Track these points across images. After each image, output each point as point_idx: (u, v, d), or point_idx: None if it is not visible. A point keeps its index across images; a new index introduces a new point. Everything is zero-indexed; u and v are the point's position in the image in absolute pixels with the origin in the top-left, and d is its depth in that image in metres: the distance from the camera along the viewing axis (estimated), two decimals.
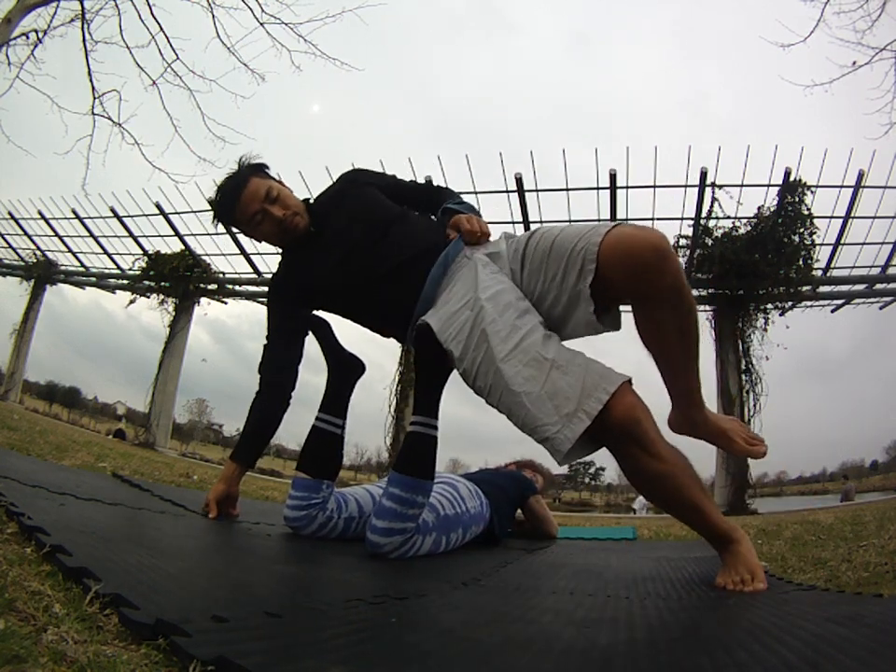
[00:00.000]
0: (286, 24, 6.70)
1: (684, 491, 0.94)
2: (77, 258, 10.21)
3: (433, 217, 1.43)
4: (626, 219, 6.79)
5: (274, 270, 1.47)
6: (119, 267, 9.84)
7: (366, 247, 1.26)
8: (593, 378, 0.94)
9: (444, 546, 1.34)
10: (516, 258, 1.17)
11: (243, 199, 1.31)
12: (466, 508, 1.48)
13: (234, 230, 1.42)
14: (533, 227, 6.89)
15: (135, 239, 9.06)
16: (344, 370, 1.43)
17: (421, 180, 6.88)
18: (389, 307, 1.27)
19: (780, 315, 6.72)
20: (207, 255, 8.89)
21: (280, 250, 1.45)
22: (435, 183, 7.06)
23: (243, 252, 8.26)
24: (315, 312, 1.43)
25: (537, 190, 6.73)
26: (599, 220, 6.75)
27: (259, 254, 8.28)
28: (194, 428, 43.40)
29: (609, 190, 6.48)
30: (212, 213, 1.42)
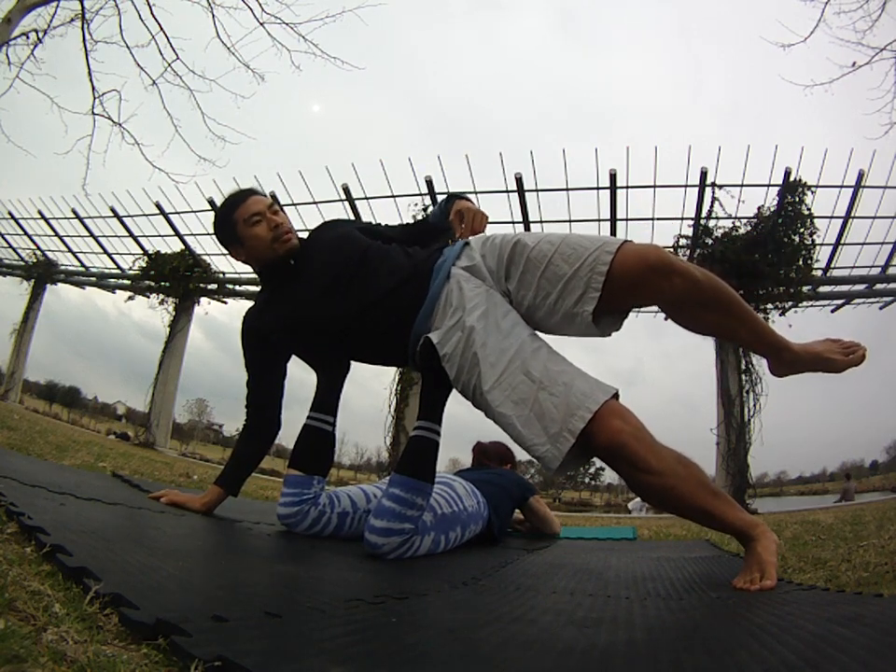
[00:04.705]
0: (286, 24, 6.71)
1: (686, 499, 0.95)
2: (77, 257, 10.22)
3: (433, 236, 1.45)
4: (626, 219, 6.80)
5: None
6: (119, 267, 9.85)
7: (350, 275, 1.25)
8: (577, 397, 0.98)
9: (444, 545, 1.34)
10: (500, 266, 1.16)
11: (249, 200, 1.34)
12: (463, 506, 1.48)
13: (225, 240, 1.39)
14: (533, 227, 6.90)
15: (135, 239, 9.06)
16: (331, 370, 1.44)
17: (421, 180, 6.76)
18: (385, 333, 1.24)
19: (780, 314, 6.71)
20: (207, 255, 8.91)
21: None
22: (435, 183, 7.02)
23: None
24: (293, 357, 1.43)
25: (537, 190, 6.73)
26: (599, 220, 6.77)
27: None
28: (194, 428, 43.43)
29: (609, 190, 6.47)
30: (213, 214, 1.43)
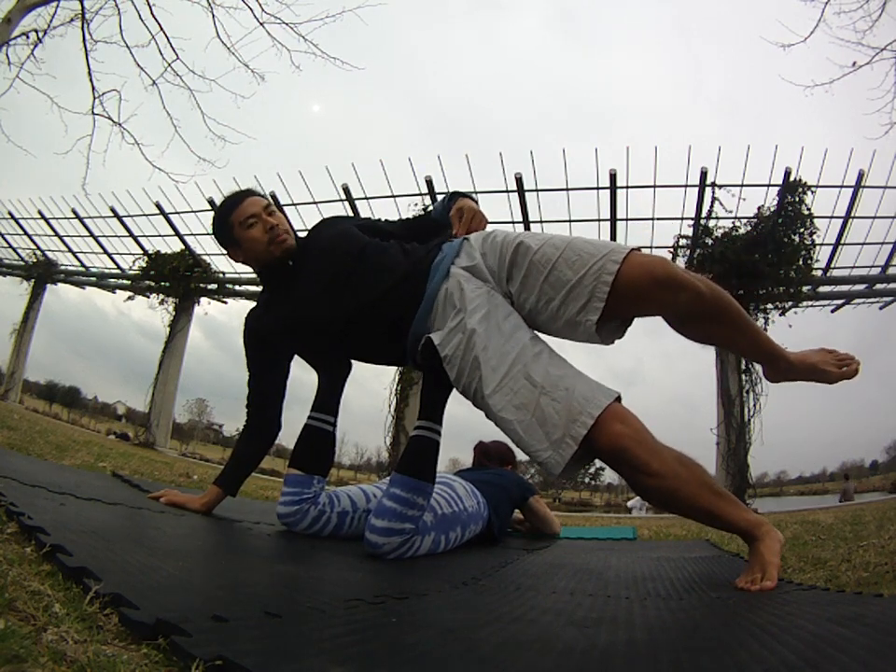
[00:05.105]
0: (286, 24, 6.71)
1: (689, 500, 0.96)
2: (77, 257, 10.22)
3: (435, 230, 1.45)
4: (626, 219, 6.79)
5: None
6: (119, 267, 9.85)
7: (348, 273, 1.24)
8: (578, 402, 0.97)
9: (444, 545, 1.34)
10: (502, 266, 1.14)
11: (245, 202, 1.34)
12: (464, 506, 1.48)
13: (224, 242, 1.40)
14: (533, 227, 6.89)
15: (135, 239, 9.06)
16: (332, 371, 1.45)
17: (421, 180, 6.72)
18: (384, 332, 1.23)
19: (780, 314, 6.72)
20: (207, 255, 8.91)
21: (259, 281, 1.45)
22: (435, 183, 7.00)
23: None
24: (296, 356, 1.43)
25: (537, 190, 6.73)
26: (599, 220, 6.77)
27: None
28: (194, 428, 43.46)
29: (609, 190, 6.47)
30: (212, 216, 1.42)
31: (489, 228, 1.32)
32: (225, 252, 1.41)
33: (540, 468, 0.99)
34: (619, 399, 1.00)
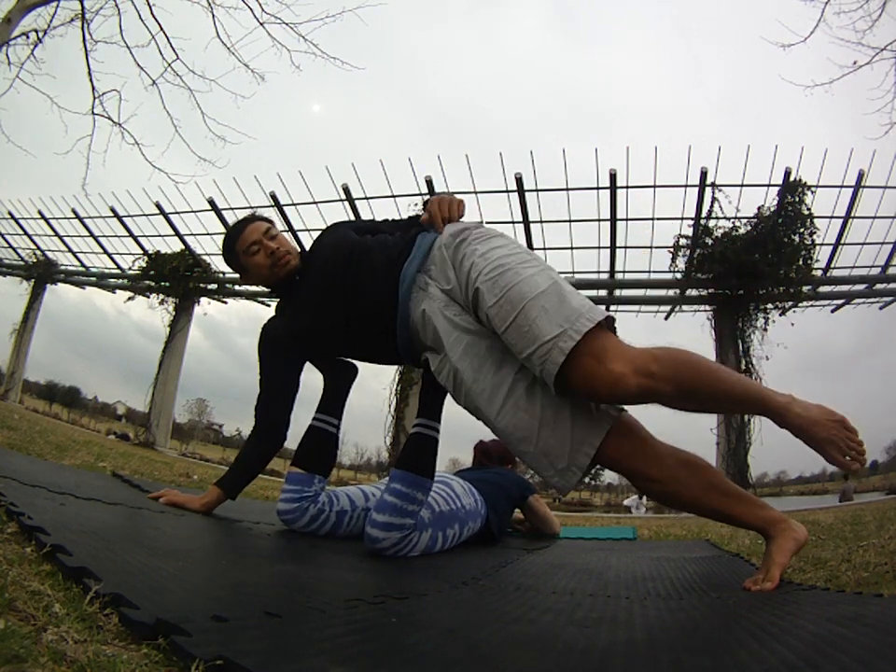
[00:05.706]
0: (286, 24, 6.72)
1: (693, 501, 0.98)
2: (77, 257, 10.22)
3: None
4: (626, 219, 6.78)
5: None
6: (119, 267, 9.85)
7: (343, 276, 1.26)
8: (579, 433, 0.98)
9: (441, 543, 1.34)
10: (468, 302, 1.09)
11: (246, 231, 1.39)
12: (461, 504, 1.49)
13: (233, 269, 1.46)
14: (533, 227, 6.88)
15: (135, 239, 9.06)
16: (338, 375, 1.46)
17: (421, 180, 6.69)
18: (382, 331, 1.24)
19: (780, 314, 6.72)
20: (207, 255, 8.91)
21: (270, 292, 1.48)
22: (435, 183, 6.98)
23: None
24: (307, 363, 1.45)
25: (537, 190, 6.72)
26: (599, 220, 6.76)
27: None
28: (194, 428, 43.44)
29: (609, 190, 6.46)
30: (221, 244, 1.47)
31: (464, 221, 1.26)
32: (238, 277, 1.46)
33: (550, 485, 1.03)
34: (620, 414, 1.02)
